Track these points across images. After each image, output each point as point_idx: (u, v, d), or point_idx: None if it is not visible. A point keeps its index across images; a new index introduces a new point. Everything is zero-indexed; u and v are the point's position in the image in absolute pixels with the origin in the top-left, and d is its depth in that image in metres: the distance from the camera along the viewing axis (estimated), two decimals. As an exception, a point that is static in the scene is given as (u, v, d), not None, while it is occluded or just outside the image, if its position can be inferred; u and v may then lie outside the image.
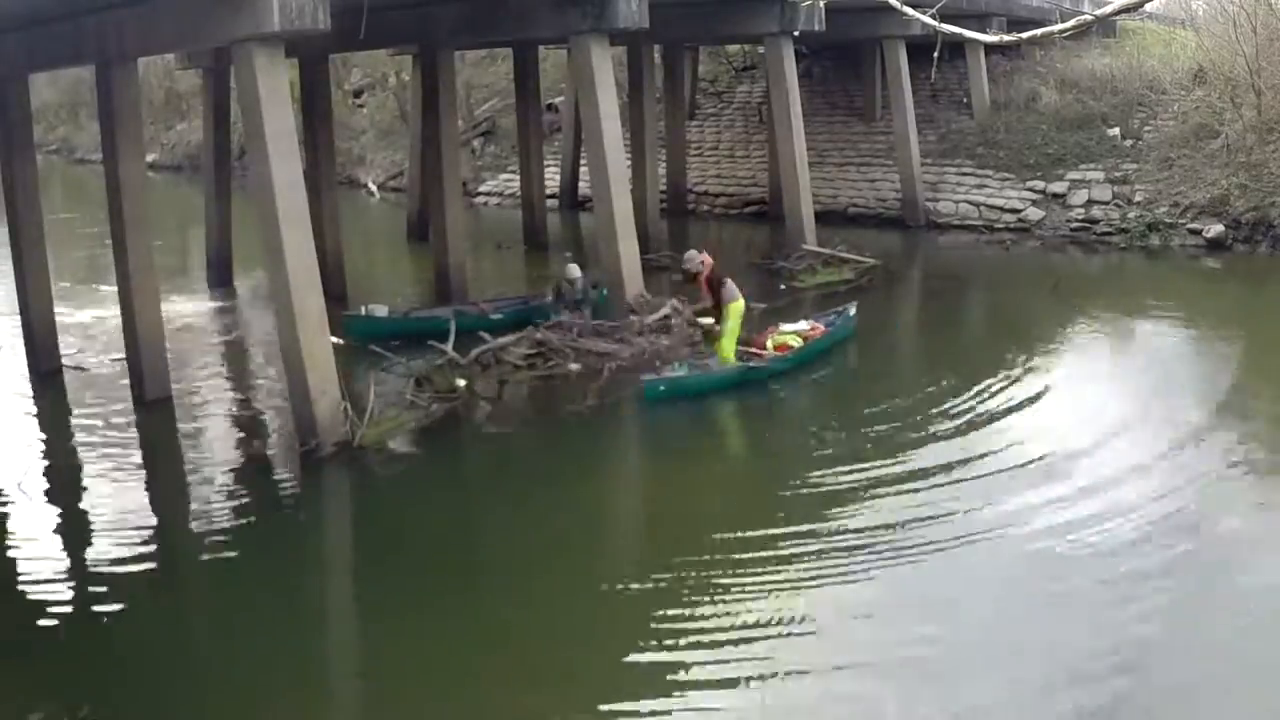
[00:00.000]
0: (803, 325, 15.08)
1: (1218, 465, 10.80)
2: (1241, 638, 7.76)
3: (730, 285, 13.99)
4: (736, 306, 13.95)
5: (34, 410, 14.12)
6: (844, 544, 9.36)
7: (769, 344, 14.32)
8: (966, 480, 10.56)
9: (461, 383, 13.56)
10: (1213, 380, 13.89)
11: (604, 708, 7.30)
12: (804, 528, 9.63)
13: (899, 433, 11.93)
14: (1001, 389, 13.24)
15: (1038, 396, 13.03)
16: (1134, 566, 8.76)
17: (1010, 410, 12.55)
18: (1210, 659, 7.58)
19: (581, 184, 26.50)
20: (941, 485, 10.47)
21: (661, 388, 13.23)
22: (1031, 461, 10.88)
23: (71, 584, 9.49)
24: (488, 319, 15.99)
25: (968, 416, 12.33)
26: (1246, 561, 8.89)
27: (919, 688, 7.32)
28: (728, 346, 13.94)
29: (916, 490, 10.38)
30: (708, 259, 14.23)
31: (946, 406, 12.62)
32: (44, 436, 13.21)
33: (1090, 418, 12.06)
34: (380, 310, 16.79)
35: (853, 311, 15.67)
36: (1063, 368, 14.59)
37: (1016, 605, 8.40)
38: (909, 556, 9.10)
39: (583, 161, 23.75)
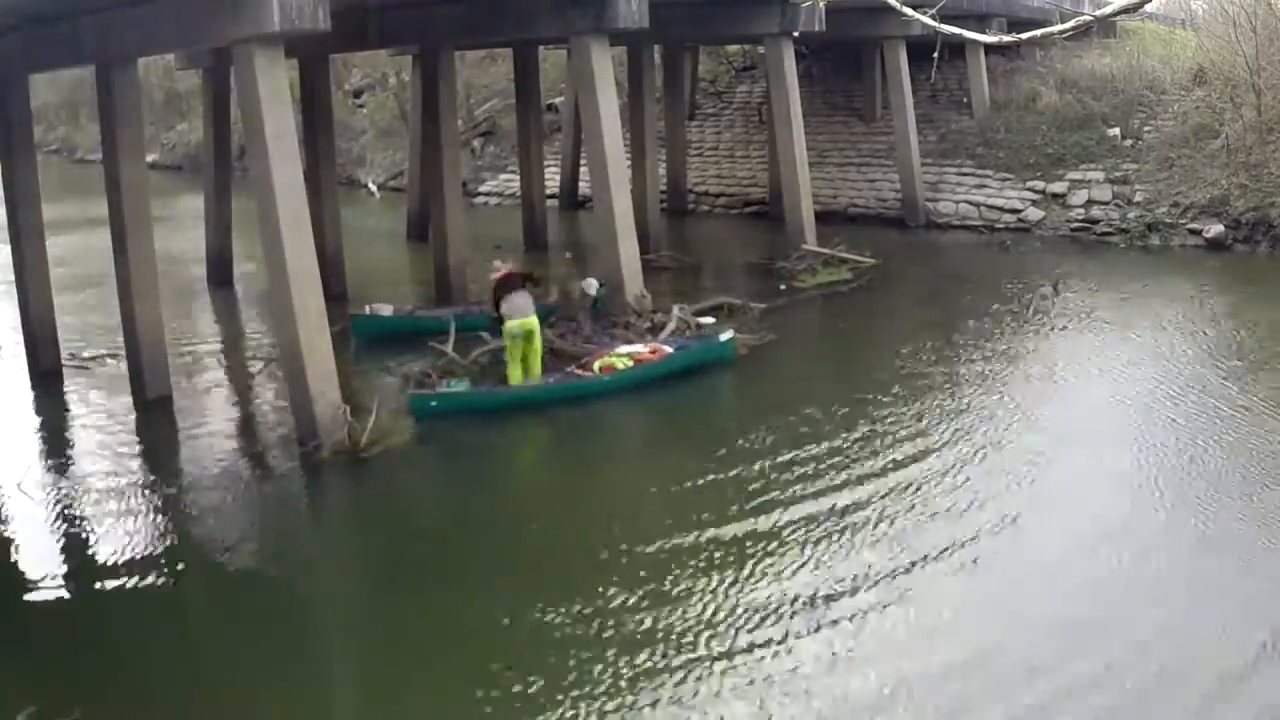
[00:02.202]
0: (639, 347, 14.13)
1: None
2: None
3: (512, 302, 13.02)
4: (508, 327, 13.07)
5: (34, 409, 14.12)
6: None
7: (596, 366, 13.57)
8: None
9: (459, 386, 13.55)
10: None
11: (605, 705, 7.30)
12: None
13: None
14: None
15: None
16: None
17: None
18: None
19: (581, 184, 26.55)
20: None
21: (432, 403, 12.51)
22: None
23: (69, 584, 9.49)
24: (488, 319, 15.96)
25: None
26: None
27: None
28: (511, 370, 13.26)
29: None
30: (501, 268, 13.49)
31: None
32: (44, 436, 13.22)
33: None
34: (385, 309, 16.80)
35: (724, 336, 14.52)
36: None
37: None
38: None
39: (583, 161, 23.77)
